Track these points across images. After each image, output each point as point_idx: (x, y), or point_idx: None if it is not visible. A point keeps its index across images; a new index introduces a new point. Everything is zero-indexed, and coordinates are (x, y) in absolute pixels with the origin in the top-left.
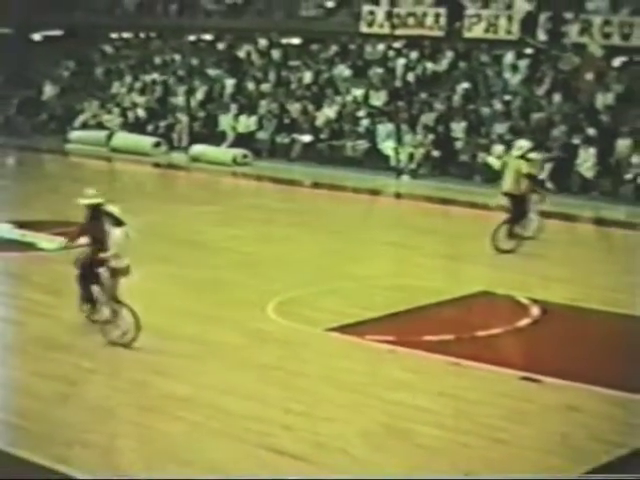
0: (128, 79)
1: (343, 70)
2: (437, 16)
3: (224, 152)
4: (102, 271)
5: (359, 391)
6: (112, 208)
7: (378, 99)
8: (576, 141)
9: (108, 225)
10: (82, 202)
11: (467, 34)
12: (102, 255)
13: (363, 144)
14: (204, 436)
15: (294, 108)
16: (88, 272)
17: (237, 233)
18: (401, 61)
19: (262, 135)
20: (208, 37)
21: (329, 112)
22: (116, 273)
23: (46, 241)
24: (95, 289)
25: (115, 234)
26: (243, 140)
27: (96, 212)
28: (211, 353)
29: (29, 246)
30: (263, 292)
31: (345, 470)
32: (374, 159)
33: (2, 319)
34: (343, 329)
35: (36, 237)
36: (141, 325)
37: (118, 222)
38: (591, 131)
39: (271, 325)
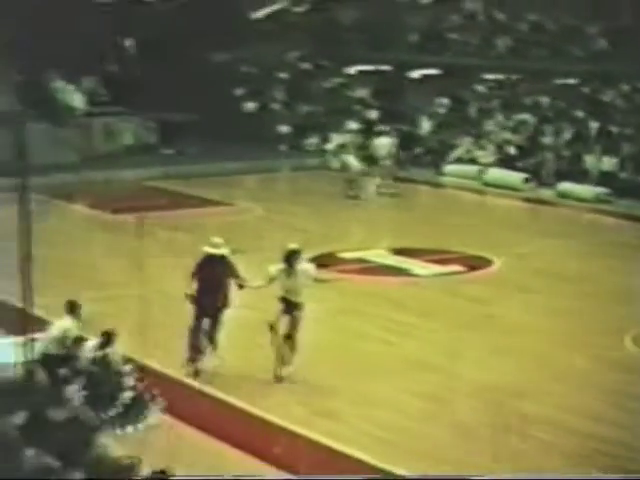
0: (500, 118)
1: None
2: None
3: (588, 190)
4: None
5: None
6: (293, 245)
7: None
8: None
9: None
10: (208, 251)
11: None
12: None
13: None
14: (555, 456)
15: None
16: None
17: (599, 266)
18: None
19: (624, 175)
20: (573, 81)
21: None
22: (300, 309)
23: (420, 267)
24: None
25: (307, 268)
26: (606, 179)
27: (218, 262)
28: (568, 377)
29: (404, 271)
30: (621, 322)
31: None
32: None
33: (378, 340)
34: None
35: (411, 263)
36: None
37: (293, 258)
38: None
39: (625, 353)
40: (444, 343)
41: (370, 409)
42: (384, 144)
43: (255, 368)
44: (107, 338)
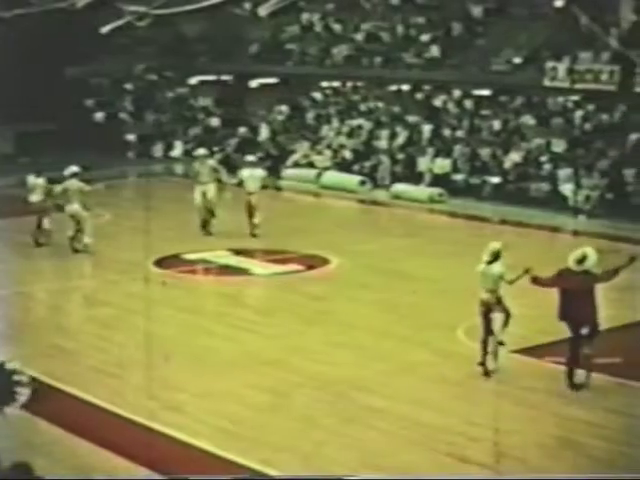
0: (336, 123)
1: (528, 119)
2: (612, 73)
3: (422, 191)
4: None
5: (537, 407)
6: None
7: (559, 146)
8: None
9: None
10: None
11: (638, 89)
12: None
13: (545, 186)
14: (397, 444)
15: (485, 152)
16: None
17: (432, 263)
18: (579, 112)
19: (456, 176)
20: (408, 87)
21: (516, 157)
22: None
23: (259, 267)
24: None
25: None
26: (439, 180)
27: None
28: (405, 369)
29: (244, 271)
30: (454, 316)
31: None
32: (555, 200)
33: (220, 336)
34: (524, 351)
35: (250, 263)
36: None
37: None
38: None
39: (459, 346)
40: (283, 338)
41: (214, 402)
42: (255, 176)
43: None
44: None
